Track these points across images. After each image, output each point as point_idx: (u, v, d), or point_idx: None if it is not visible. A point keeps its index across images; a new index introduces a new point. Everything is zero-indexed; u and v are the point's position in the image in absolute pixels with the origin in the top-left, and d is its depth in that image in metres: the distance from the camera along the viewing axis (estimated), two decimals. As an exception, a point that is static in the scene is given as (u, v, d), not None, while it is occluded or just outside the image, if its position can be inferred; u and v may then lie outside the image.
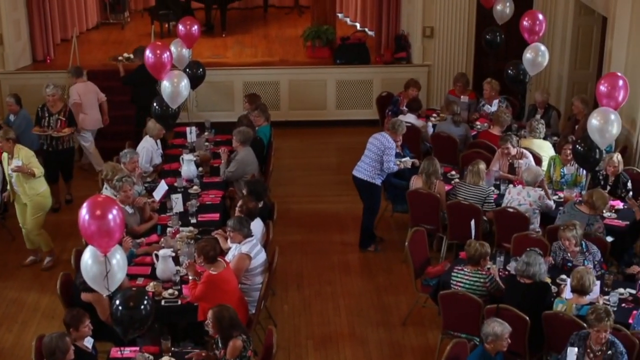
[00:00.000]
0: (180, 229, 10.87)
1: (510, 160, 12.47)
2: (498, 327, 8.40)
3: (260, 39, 19.66)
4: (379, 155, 12.13)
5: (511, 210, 11.30)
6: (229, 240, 10.16)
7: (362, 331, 10.90)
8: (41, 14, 17.18)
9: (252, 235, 10.03)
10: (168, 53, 11.73)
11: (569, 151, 12.03)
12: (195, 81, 14.15)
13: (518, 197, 11.41)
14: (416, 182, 12.05)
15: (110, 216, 7.49)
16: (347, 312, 11.29)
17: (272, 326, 9.25)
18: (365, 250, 12.70)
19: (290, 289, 11.81)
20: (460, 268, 9.90)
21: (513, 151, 12.41)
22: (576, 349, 8.52)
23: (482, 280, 9.71)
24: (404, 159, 12.47)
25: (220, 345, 8.51)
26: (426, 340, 10.69)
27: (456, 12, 16.78)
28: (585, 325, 8.63)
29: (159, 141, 13.09)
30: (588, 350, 8.50)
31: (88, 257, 7.66)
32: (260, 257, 10.04)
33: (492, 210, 11.53)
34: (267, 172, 13.10)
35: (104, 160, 14.03)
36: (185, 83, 11.62)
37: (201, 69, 14.39)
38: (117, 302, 7.83)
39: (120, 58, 15.83)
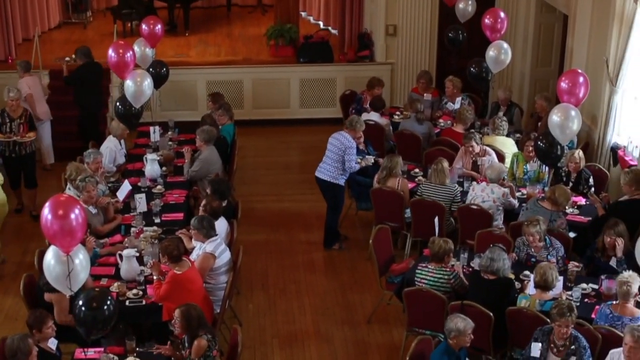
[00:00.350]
0: (144, 228, 10.82)
1: (474, 158, 12.53)
2: (461, 323, 8.44)
3: (223, 38, 19.62)
4: (340, 156, 12.12)
5: (474, 207, 11.36)
6: (193, 240, 10.14)
7: (327, 329, 10.91)
8: (2, 13, 17.04)
9: (216, 235, 10.00)
10: (131, 52, 11.67)
11: (531, 147, 12.11)
12: (159, 80, 14.09)
13: (482, 194, 11.47)
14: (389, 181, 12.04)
15: (72, 215, 7.45)
16: (312, 311, 11.30)
17: (237, 325, 9.22)
18: (330, 249, 12.70)
19: (255, 288, 11.80)
20: (424, 265, 9.94)
21: (476, 149, 12.47)
22: (540, 344, 8.58)
23: (446, 277, 9.74)
24: (365, 157, 12.47)
25: (186, 344, 8.49)
26: (391, 337, 10.72)
27: (419, 10, 16.81)
28: (548, 320, 8.69)
29: (122, 141, 13.03)
30: (552, 345, 8.56)
31: (50, 257, 7.63)
32: (224, 256, 10.02)
33: (457, 208, 11.59)
34: (231, 171, 13.08)
35: (66, 161, 13.95)
36: (148, 82, 11.58)
37: (165, 69, 14.34)
38: (80, 302, 7.79)
39: (67, 59, 15.69)
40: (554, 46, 16.25)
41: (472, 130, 13.04)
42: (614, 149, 12.90)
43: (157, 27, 14.13)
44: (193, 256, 9.94)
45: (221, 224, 10.56)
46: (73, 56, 15.38)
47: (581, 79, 11.02)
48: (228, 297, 10.00)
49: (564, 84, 11.04)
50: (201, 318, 8.46)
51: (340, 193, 12.44)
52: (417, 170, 12.92)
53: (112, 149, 12.71)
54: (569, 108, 10.88)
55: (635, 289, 8.90)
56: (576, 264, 10.06)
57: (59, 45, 18.77)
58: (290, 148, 16.54)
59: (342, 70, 17.32)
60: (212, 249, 9.85)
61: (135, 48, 13.34)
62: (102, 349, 8.59)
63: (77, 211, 7.52)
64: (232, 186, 12.62)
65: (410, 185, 12.22)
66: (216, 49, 18.73)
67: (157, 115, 15.52)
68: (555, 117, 10.91)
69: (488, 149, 12.62)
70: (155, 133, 13.50)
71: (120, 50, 11.58)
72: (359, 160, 12.28)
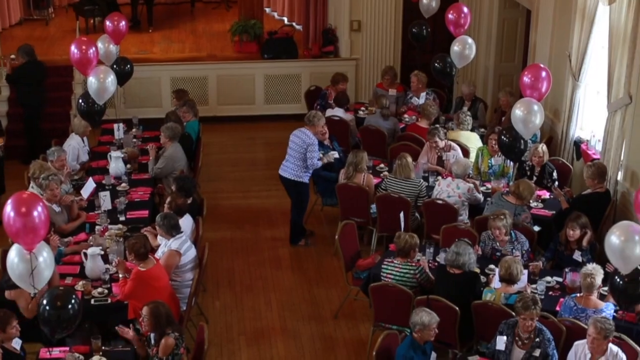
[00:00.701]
0: (109, 226, 10.77)
1: (439, 153, 12.57)
2: (426, 317, 8.48)
3: (187, 34, 19.53)
4: (302, 153, 12.10)
5: (440, 202, 11.40)
6: (158, 237, 10.10)
7: (294, 325, 10.91)
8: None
9: (181, 232, 9.97)
10: (94, 49, 11.62)
11: (494, 142, 12.18)
12: (123, 77, 14.04)
13: (447, 189, 11.51)
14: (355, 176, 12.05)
15: (35, 213, 7.42)
16: (278, 307, 11.29)
17: (203, 323, 9.20)
18: (296, 245, 12.70)
19: (221, 285, 11.78)
20: (390, 260, 9.96)
21: (441, 144, 12.51)
22: (505, 337, 8.64)
23: (412, 271, 9.77)
24: (327, 154, 12.46)
25: (153, 342, 8.46)
26: (358, 332, 10.74)
27: (383, 6, 16.83)
28: (513, 313, 8.75)
29: (85, 138, 12.94)
30: (516, 338, 8.62)
31: (14, 255, 7.59)
32: (190, 254, 9.99)
33: (422, 203, 11.62)
34: (196, 168, 13.04)
35: (14, 160, 14.06)
36: (111, 78, 11.54)
37: (129, 65, 14.28)
38: (44, 301, 7.75)
39: (12, 57, 15.52)
40: (517, 41, 16.33)
41: (437, 126, 13.06)
42: (577, 143, 13.00)
43: (121, 24, 14.06)
44: (158, 254, 9.90)
45: (186, 221, 10.53)
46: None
47: (543, 74, 11.10)
48: (194, 295, 9.97)
49: (526, 79, 11.12)
50: (169, 316, 8.45)
51: (305, 190, 12.43)
52: (382, 165, 12.94)
53: (75, 147, 12.62)
54: (532, 102, 10.95)
55: (598, 281, 8.99)
56: (535, 263, 10.09)
57: (20, 42, 18.42)
58: (255, 144, 16.51)
59: (306, 66, 17.30)
60: (177, 246, 9.82)
61: (99, 45, 13.32)
62: (67, 349, 8.53)
63: (39, 208, 7.50)
64: (198, 183, 12.58)
65: (376, 180, 12.24)
66: (180, 46, 18.63)
67: (121, 112, 15.41)
68: (518, 112, 10.98)
69: (453, 144, 12.66)
70: (119, 130, 13.42)
71: (83, 47, 11.53)
72: (320, 156, 12.27)
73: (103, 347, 8.56)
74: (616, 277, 8.59)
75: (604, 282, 9.19)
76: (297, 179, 12.23)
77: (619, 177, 11.63)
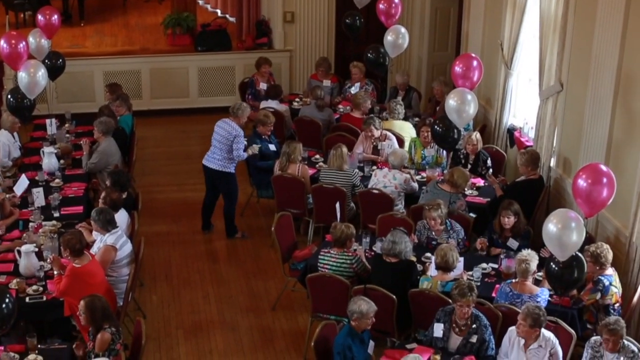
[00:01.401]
0: (43, 223, 10.65)
1: (374, 143, 12.61)
2: (364, 305, 8.52)
3: (120, 28, 19.35)
4: (227, 145, 12.06)
5: (375, 191, 11.44)
6: (93, 233, 10.01)
7: (232, 318, 10.89)
8: None
9: (116, 227, 9.89)
10: (24, 43, 11.46)
11: (426, 133, 12.27)
12: (55, 72, 13.89)
13: (384, 180, 11.56)
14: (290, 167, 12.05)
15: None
16: (216, 300, 11.27)
17: (140, 317, 9.15)
18: (233, 238, 12.67)
19: (158, 279, 11.71)
20: (326, 251, 9.98)
21: (376, 133, 12.55)
22: (442, 325, 8.72)
23: (348, 261, 9.80)
24: (252, 145, 12.40)
25: (90, 337, 8.39)
26: (296, 323, 10.76)
27: (316, -3, 16.87)
28: (450, 301, 8.82)
29: (16, 134, 12.77)
30: (454, 325, 8.69)
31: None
32: (126, 248, 9.92)
33: (358, 192, 11.66)
34: (130, 162, 12.95)
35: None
36: (42, 73, 11.40)
37: (61, 60, 14.11)
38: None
39: None
40: (450, 31, 16.46)
41: (372, 115, 13.11)
42: (511, 131, 13.15)
43: (53, 18, 13.87)
44: (94, 249, 9.81)
45: (122, 216, 10.46)
46: None
47: (475, 63, 11.21)
48: (131, 290, 9.90)
49: (458, 68, 11.22)
50: (106, 309, 8.38)
51: (233, 180, 12.38)
52: (317, 156, 12.97)
53: (5, 143, 12.45)
54: (466, 92, 11.05)
55: (533, 267, 9.10)
56: (482, 239, 10.22)
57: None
58: (190, 137, 16.41)
59: (240, 58, 17.23)
60: (113, 241, 9.74)
61: (30, 39, 13.14)
62: (2, 348, 8.42)
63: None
64: (132, 177, 12.49)
65: (311, 171, 12.25)
66: (113, 39, 18.46)
67: (53, 107, 15.21)
68: (452, 102, 11.07)
69: (388, 133, 12.71)
70: (52, 125, 13.27)
71: (13, 41, 11.38)
72: (245, 145, 12.22)
73: (39, 346, 8.46)
74: (552, 264, 8.73)
75: (539, 267, 9.31)
76: (224, 170, 12.19)
77: (552, 163, 11.81)
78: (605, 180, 8.79)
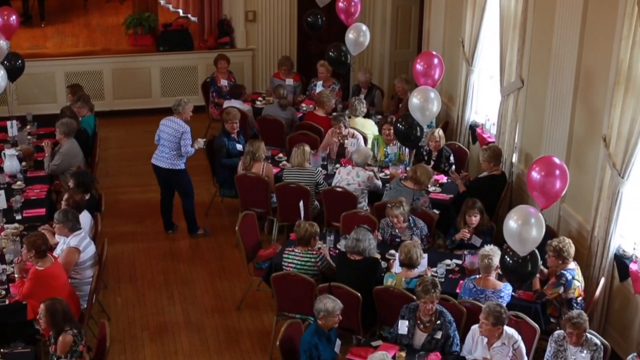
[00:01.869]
0: (5, 226, 10.56)
1: (341, 140, 12.64)
2: (330, 304, 8.53)
3: (81, 28, 19.24)
4: (175, 143, 12.04)
5: (339, 189, 11.45)
6: (56, 235, 9.95)
7: (197, 318, 10.86)
8: None
9: (80, 228, 9.84)
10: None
11: (388, 131, 12.30)
12: (14, 73, 13.77)
13: (347, 177, 11.57)
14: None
15: None
16: (181, 300, 11.23)
17: (104, 320, 9.11)
18: (195, 236, 12.64)
19: (122, 281, 11.66)
20: (291, 249, 9.99)
21: (345, 131, 12.58)
22: (407, 321, 8.75)
23: (313, 260, 9.82)
24: (197, 140, 12.34)
25: (52, 340, 8.34)
26: (262, 323, 10.75)
27: (277, -4, 16.86)
28: (414, 297, 8.86)
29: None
30: (418, 322, 8.73)
31: None
32: (89, 250, 9.86)
33: (322, 191, 11.67)
34: (93, 163, 12.87)
35: None
36: (1, 74, 11.29)
37: (20, 61, 13.99)
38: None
39: None
40: (411, 28, 16.53)
41: (340, 113, 13.13)
42: (473, 127, 13.23)
43: (12, 18, 13.78)
44: (57, 251, 9.75)
45: (85, 218, 10.39)
46: None
47: (436, 61, 11.27)
48: (95, 292, 9.84)
49: (419, 66, 11.27)
50: (67, 312, 8.32)
51: (185, 176, 12.34)
52: (281, 155, 12.97)
53: (-36, 146, 12.37)
54: (428, 90, 11.10)
55: (496, 262, 9.14)
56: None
57: None
58: (152, 138, 16.21)
59: (202, 57, 17.19)
60: (76, 243, 9.69)
61: (-12, 41, 13.03)
62: (-36, 353, 8.38)
63: None
64: (95, 178, 12.43)
65: (275, 170, 12.26)
66: (74, 40, 18.36)
67: (14, 109, 15.07)
68: (415, 100, 11.12)
69: (355, 131, 12.73)
70: (12, 127, 13.17)
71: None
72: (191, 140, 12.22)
73: (2, 350, 8.43)
74: (506, 257, 8.78)
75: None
76: (174, 167, 12.16)
77: (514, 159, 11.90)
78: (557, 172, 8.77)
